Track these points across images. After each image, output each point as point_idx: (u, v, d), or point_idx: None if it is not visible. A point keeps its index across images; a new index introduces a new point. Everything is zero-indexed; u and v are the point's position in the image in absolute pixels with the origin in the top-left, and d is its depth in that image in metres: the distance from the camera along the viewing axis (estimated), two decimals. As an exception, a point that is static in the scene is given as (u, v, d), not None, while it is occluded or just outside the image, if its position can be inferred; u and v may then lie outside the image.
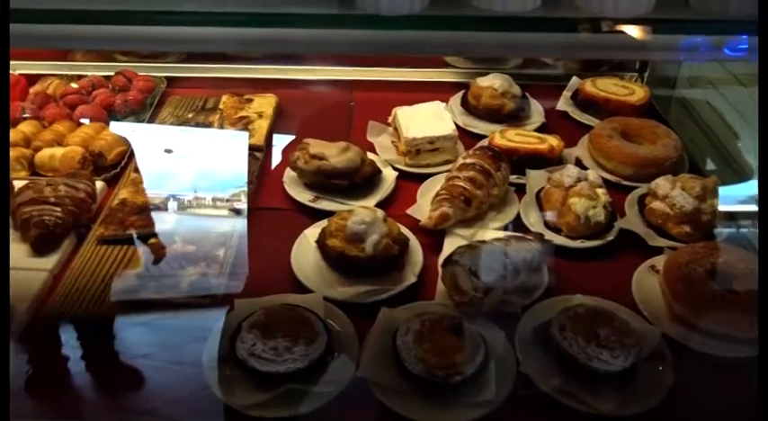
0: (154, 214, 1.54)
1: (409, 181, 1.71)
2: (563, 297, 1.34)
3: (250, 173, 1.69)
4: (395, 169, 1.73)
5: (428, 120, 1.79)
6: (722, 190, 1.54)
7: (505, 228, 1.55)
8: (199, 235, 1.49)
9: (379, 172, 1.69)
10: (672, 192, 1.51)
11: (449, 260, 1.33)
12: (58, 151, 1.68)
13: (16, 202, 1.49)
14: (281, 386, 1.12)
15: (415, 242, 1.48)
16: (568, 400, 1.14)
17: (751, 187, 1.66)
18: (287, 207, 1.64)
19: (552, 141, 1.74)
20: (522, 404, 1.15)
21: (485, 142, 1.79)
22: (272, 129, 1.91)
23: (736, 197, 1.63)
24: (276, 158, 1.82)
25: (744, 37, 0.87)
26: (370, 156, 1.72)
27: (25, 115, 1.84)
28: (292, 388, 1.13)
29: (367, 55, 2.03)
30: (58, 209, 1.47)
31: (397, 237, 1.40)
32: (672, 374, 1.19)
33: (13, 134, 1.74)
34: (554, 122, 1.97)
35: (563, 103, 2.04)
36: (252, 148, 1.80)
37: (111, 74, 2.06)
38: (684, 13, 0.83)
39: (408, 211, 1.57)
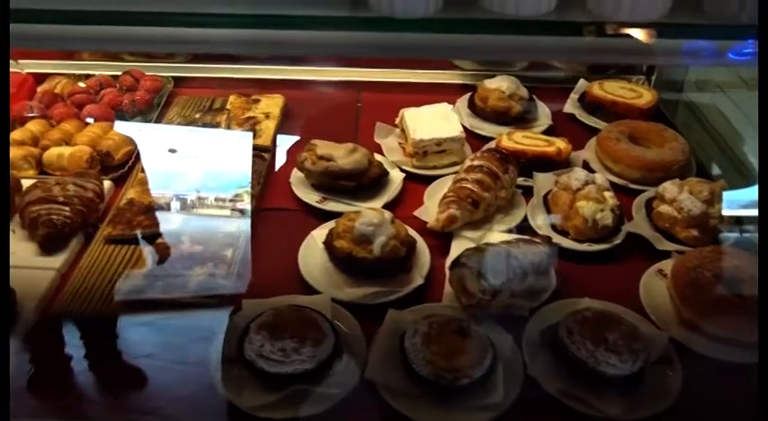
0: (161, 214, 1.54)
1: (416, 182, 1.71)
2: (570, 300, 1.34)
3: (257, 173, 1.70)
4: (402, 171, 1.73)
5: (435, 121, 1.79)
6: (730, 194, 1.54)
7: (512, 231, 1.55)
8: (206, 235, 1.49)
9: (387, 173, 1.69)
10: (680, 196, 1.51)
11: (456, 262, 1.32)
12: (66, 150, 1.68)
13: (24, 201, 1.49)
14: (288, 387, 1.12)
15: (422, 244, 1.48)
16: (576, 404, 1.14)
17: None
18: (294, 208, 1.64)
19: (560, 144, 1.73)
20: (530, 407, 1.15)
21: (492, 144, 1.79)
22: (278, 130, 1.91)
23: (743, 201, 1.62)
24: (283, 159, 1.82)
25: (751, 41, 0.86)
26: (377, 157, 1.73)
27: (33, 114, 1.85)
28: (300, 389, 1.13)
29: (376, 56, 2.02)
30: (67, 208, 1.47)
31: (405, 238, 1.40)
32: (679, 379, 1.19)
33: (21, 133, 1.75)
34: (561, 125, 1.97)
35: (570, 106, 2.04)
36: (259, 149, 1.80)
37: (119, 73, 2.07)
38: (698, 17, 0.83)
39: (415, 213, 1.57)
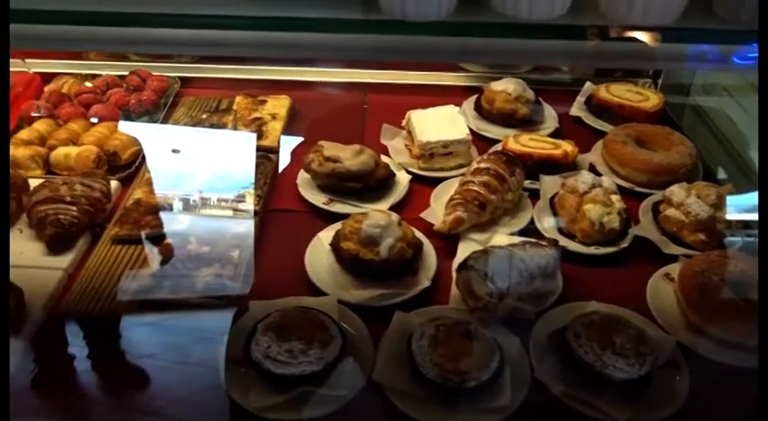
0: (168, 214, 1.54)
1: (423, 184, 1.71)
2: (577, 303, 1.34)
3: (264, 174, 1.70)
4: (408, 172, 1.73)
5: (442, 123, 1.79)
6: (737, 198, 1.54)
7: (519, 234, 1.55)
8: (213, 236, 1.49)
9: (393, 175, 1.69)
10: (687, 200, 1.51)
11: (463, 265, 1.32)
12: (73, 150, 1.68)
13: (32, 201, 1.49)
14: (295, 389, 1.13)
15: (428, 246, 1.48)
16: (583, 408, 1.14)
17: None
18: (300, 209, 1.64)
19: (566, 147, 1.73)
20: (537, 410, 1.15)
21: (498, 147, 1.79)
22: (285, 131, 1.91)
23: (751, 205, 1.62)
24: (289, 160, 1.82)
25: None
26: (384, 159, 1.72)
27: (40, 114, 1.85)
28: (307, 391, 1.13)
29: (388, 60, 2.02)
30: (74, 208, 1.47)
31: (412, 240, 1.40)
32: (687, 383, 1.18)
33: (28, 132, 1.75)
34: (567, 128, 1.97)
35: (576, 109, 2.04)
36: (266, 150, 1.80)
37: (126, 73, 2.07)
38: (710, 21, 0.83)
39: (422, 215, 1.57)
